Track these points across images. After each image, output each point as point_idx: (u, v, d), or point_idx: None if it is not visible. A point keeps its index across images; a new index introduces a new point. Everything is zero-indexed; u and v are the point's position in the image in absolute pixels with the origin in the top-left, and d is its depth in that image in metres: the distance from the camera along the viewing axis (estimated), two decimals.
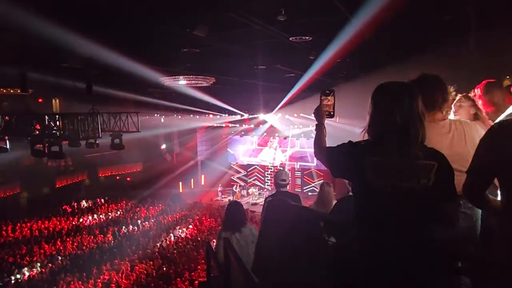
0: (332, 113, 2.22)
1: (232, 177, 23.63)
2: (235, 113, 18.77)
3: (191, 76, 10.04)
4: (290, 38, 6.13)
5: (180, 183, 22.09)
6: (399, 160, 1.64)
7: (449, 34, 5.36)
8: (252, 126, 21.43)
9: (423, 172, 1.63)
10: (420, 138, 1.66)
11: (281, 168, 20.11)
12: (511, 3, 4.06)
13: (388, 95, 1.69)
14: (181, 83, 10.18)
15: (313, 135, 2.11)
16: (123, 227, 15.27)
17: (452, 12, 4.72)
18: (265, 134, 21.94)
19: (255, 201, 20.04)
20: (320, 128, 2.15)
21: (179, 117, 19.48)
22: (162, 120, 19.35)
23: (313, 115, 2.20)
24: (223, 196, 21.96)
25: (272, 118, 19.27)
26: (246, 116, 19.22)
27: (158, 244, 13.25)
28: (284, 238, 1.88)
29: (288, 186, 4.38)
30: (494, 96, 2.50)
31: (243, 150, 23.31)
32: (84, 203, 18.43)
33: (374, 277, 1.63)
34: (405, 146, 1.64)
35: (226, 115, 19.18)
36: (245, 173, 23.62)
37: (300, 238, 1.87)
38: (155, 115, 18.27)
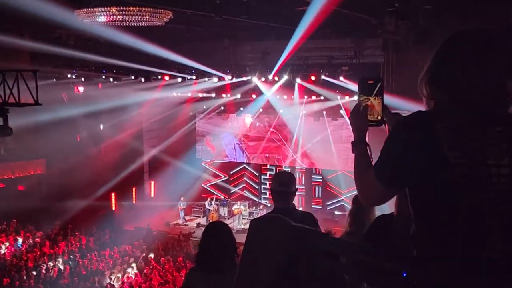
0: (379, 118, 2.22)
1: (203, 185, 23.78)
2: (208, 75, 18.70)
3: (131, 8, 10.01)
4: None
5: (113, 195, 22.12)
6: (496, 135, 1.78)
7: None
8: (239, 96, 21.39)
9: None
10: None
11: (287, 170, 20.21)
12: None
13: (480, 48, 1.84)
14: (111, 19, 10.10)
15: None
16: (12, 273, 15.14)
17: None
18: (261, 110, 22.01)
19: (242, 226, 20.14)
20: (360, 148, 2.18)
21: (111, 80, 19.28)
22: (82, 89, 19.22)
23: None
24: (187, 217, 22.06)
25: (272, 86, 19.21)
26: (227, 79, 19.16)
27: None
28: (278, 281, 1.94)
29: (293, 198, 4.42)
30: None
31: (224, 139, 23.41)
32: None
33: None
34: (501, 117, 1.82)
35: (193, 77, 19.10)
36: (227, 178, 23.74)
37: (304, 283, 1.92)
38: (69, 76, 18.12)
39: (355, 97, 2.28)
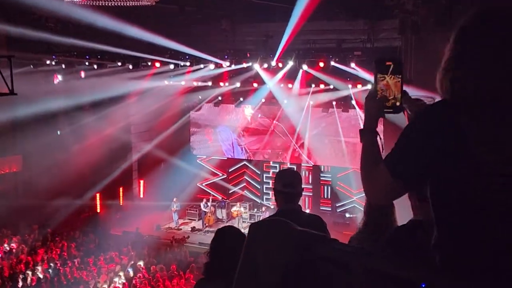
0: (398, 104, 2.23)
1: (199, 184, 23.80)
2: (204, 61, 18.70)
3: None
4: None
5: (98, 195, 22.15)
6: None
7: None
8: (238, 85, 21.35)
9: None
10: None
11: (292, 167, 20.14)
12: None
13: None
14: None
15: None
16: None
17: None
18: (263, 101, 21.99)
19: (242, 231, 20.08)
20: (369, 136, 2.25)
21: (95, 68, 19.22)
22: (60, 77, 19.15)
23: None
24: (180, 220, 22.10)
25: (275, 74, 19.15)
26: (225, 66, 19.15)
27: None
28: None
29: (298, 199, 4.41)
30: None
31: (222, 134, 23.45)
32: None
33: None
34: None
35: (187, 64, 19.11)
36: (225, 176, 23.78)
37: None
38: (48, 63, 18.09)
39: (368, 86, 2.25)
